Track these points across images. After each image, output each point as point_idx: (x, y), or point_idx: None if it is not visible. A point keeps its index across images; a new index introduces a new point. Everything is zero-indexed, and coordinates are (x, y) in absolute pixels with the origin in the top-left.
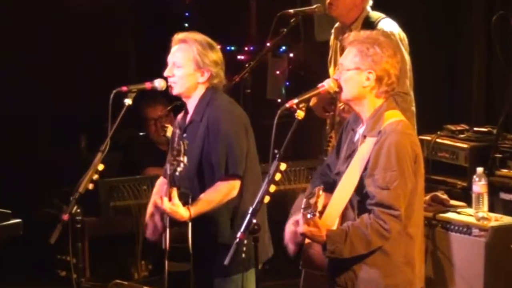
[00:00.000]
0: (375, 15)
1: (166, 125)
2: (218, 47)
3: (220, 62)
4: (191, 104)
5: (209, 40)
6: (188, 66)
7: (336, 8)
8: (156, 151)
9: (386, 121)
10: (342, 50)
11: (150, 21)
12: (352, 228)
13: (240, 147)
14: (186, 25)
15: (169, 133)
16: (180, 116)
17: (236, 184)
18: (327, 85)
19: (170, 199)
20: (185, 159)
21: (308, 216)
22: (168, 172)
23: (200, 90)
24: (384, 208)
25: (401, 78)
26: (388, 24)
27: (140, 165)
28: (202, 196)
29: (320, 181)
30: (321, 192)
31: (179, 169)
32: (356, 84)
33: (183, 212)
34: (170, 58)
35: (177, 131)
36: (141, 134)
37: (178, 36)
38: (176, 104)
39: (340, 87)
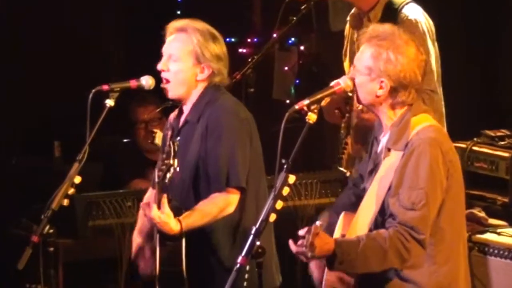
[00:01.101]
0: (397, 0)
1: (155, 130)
2: (223, 40)
3: (224, 57)
4: (188, 104)
5: (212, 30)
6: (186, 59)
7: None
8: (144, 161)
9: (414, 129)
10: (358, 47)
11: (136, 8)
12: (367, 239)
13: (244, 155)
14: (178, 12)
15: (158, 140)
16: (172, 115)
17: (235, 199)
18: (343, 83)
19: (159, 207)
20: (175, 162)
21: (317, 224)
22: (156, 178)
23: (199, 89)
24: (407, 228)
25: (428, 74)
26: (412, 11)
27: (124, 177)
28: (195, 208)
29: (351, 194)
30: (319, 230)
31: (169, 174)
32: (369, 91)
33: (173, 224)
34: (166, 49)
35: (169, 133)
36: (125, 140)
37: (176, 23)
38: (168, 104)
39: (356, 87)
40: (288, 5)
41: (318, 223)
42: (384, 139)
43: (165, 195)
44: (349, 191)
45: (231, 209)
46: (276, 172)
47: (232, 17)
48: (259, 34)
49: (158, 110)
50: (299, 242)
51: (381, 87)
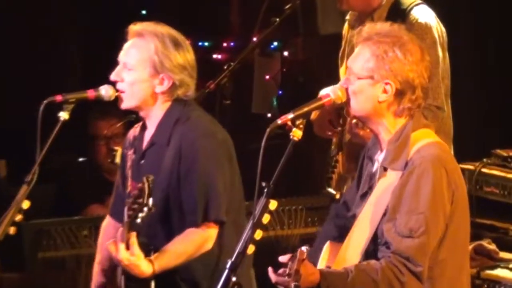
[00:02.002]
0: (405, 0)
1: (115, 148)
2: (189, 46)
3: (189, 67)
4: (152, 121)
5: (177, 35)
6: (142, 69)
7: (349, 0)
8: (102, 183)
9: (414, 146)
10: (352, 48)
11: (97, 8)
12: (356, 271)
13: (224, 184)
14: (144, 12)
15: (118, 159)
16: (133, 132)
17: (213, 233)
18: (333, 94)
19: (128, 247)
20: (150, 201)
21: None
22: (126, 217)
23: (161, 103)
24: (403, 258)
25: (435, 88)
26: (423, 13)
27: (79, 202)
28: (169, 246)
29: (334, 226)
30: (304, 255)
31: (141, 214)
32: (369, 98)
33: (145, 266)
34: (121, 57)
35: (129, 152)
36: (81, 159)
37: (134, 27)
38: (132, 118)
39: (349, 98)
40: (270, 4)
41: (304, 248)
42: (380, 158)
43: (134, 234)
44: (330, 223)
45: (209, 245)
46: (255, 197)
47: (205, 18)
48: (236, 38)
49: (121, 124)
50: (280, 270)
51: (384, 91)
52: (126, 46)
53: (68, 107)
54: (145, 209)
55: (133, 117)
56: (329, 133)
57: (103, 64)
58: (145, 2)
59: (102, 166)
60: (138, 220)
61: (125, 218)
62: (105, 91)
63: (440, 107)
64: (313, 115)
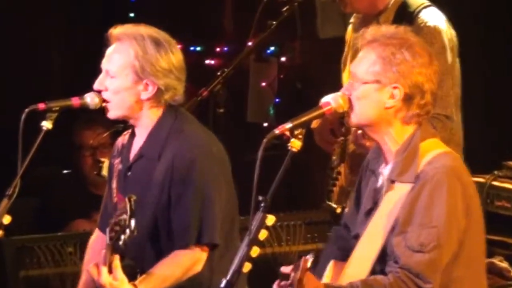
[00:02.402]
0: (413, 2)
1: (102, 159)
2: (176, 46)
3: (175, 69)
4: (141, 129)
5: (159, 35)
6: (124, 76)
7: (353, 3)
8: (88, 197)
9: (424, 156)
10: (355, 52)
11: (82, 9)
12: (362, 286)
13: (220, 205)
14: (132, 14)
15: (105, 171)
16: (121, 140)
17: (203, 255)
18: (334, 102)
19: (110, 270)
20: (132, 223)
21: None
22: (108, 239)
23: (149, 110)
24: (412, 274)
25: (444, 97)
26: (432, 16)
27: (64, 216)
28: (155, 269)
29: (337, 249)
30: (308, 264)
31: (123, 237)
32: (375, 104)
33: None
34: (103, 64)
35: (116, 162)
36: (66, 171)
37: (114, 31)
38: (119, 127)
39: (352, 106)
40: (267, 6)
41: (308, 256)
42: (386, 171)
43: (117, 257)
44: (332, 246)
45: (198, 267)
46: (251, 212)
47: (197, 21)
48: (230, 42)
49: (107, 133)
50: (282, 282)
51: (392, 96)
52: (108, 52)
53: (51, 116)
54: (127, 231)
55: (120, 126)
56: (331, 145)
57: (88, 70)
58: (133, 5)
59: (87, 178)
60: (120, 243)
61: (107, 240)
62: (91, 98)
63: (449, 117)
64: (314, 124)
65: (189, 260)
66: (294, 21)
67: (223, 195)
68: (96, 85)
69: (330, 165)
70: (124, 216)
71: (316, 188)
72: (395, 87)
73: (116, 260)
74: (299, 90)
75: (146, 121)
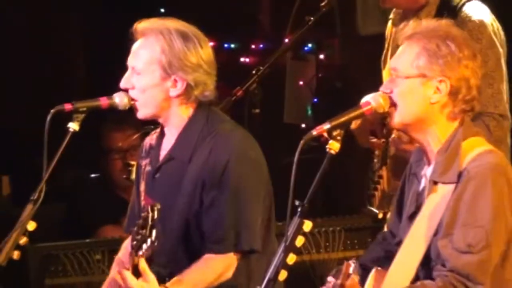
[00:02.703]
0: None
1: (132, 162)
2: (205, 39)
3: (204, 63)
4: (171, 128)
5: (187, 29)
6: (151, 72)
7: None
8: (117, 202)
9: (467, 155)
10: (395, 47)
11: (108, 6)
12: None
13: (258, 208)
14: (162, 10)
15: (135, 175)
16: (149, 139)
17: (235, 261)
18: (374, 102)
19: (136, 274)
20: (153, 234)
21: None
22: (130, 247)
23: (180, 108)
24: (461, 276)
25: (495, 94)
26: (476, 10)
27: (91, 222)
28: (186, 273)
29: (381, 249)
30: (351, 269)
31: (145, 246)
32: (420, 99)
33: None
34: (130, 61)
35: (144, 163)
36: (93, 175)
37: (139, 25)
38: (150, 128)
39: (393, 105)
40: (304, 1)
41: (351, 262)
42: (428, 172)
43: (142, 259)
44: (378, 245)
45: (229, 273)
46: (287, 217)
47: (232, 17)
48: (266, 39)
49: (137, 135)
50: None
51: (437, 91)
52: (134, 48)
53: (78, 117)
54: (148, 241)
55: (151, 127)
56: (374, 141)
57: (116, 69)
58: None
59: (116, 183)
60: (141, 252)
61: (129, 248)
62: (120, 98)
63: (503, 115)
64: (353, 125)
65: (222, 265)
66: (333, 17)
67: (261, 199)
68: (122, 83)
69: (371, 168)
70: (145, 226)
71: (356, 192)
72: (441, 81)
73: (142, 263)
74: (338, 90)
75: (176, 119)
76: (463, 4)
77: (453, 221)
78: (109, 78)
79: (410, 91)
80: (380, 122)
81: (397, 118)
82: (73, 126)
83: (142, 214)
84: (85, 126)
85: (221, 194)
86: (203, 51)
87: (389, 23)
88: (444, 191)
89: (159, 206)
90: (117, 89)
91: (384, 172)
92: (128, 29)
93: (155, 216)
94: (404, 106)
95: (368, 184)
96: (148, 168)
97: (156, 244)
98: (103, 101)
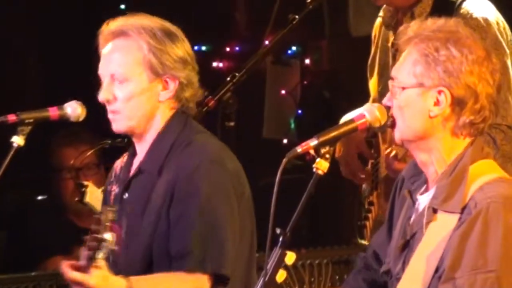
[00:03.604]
0: None
1: (85, 183)
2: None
3: (190, 58)
4: (143, 143)
5: (166, 24)
6: (137, 76)
7: None
8: (69, 228)
9: (474, 181)
10: (397, 52)
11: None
12: None
13: (232, 228)
14: (123, 6)
15: (89, 198)
16: (120, 162)
17: (205, 284)
18: (369, 114)
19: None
20: (109, 237)
21: None
22: (84, 259)
23: (160, 116)
24: None
25: (501, 103)
26: (479, 7)
27: (39, 252)
28: (153, 275)
29: (362, 279)
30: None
31: (101, 254)
32: (418, 112)
33: (114, 279)
34: (104, 69)
35: (113, 188)
36: (40, 198)
37: (110, 26)
38: (106, 144)
39: (393, 120)
40: None
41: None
42: (426, 197)
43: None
44: (356, 277)
45: None
46: (267, 248)
47: (203, 15)
48: (243, 40)
49: (92, 151)
50: None
51: (437, 103)
52: (105, 52)
53: (23, 130)
54: (103, 245)
55: (108, 142)
56: (362, 175)
57: (71, 76)
58: None
59: (68, 206)
60: (96, 260)
61: (83, 260)
62: (72, 109)
63: (511, 127)
64: (337, 152)
65: (191, 283)
66: (321, 15)
67: (236, 218)
68: (102, 96)
69: (361, 194)
70: (99, 229)
71: (346, 220)
72: (440, 91)
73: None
74: (326, 100)
75: (154, 130)
76: (463, 1)
77: (457, 263)
78: (66, 85)
79: (408, 104)
80: (366, 143)
81: (397, 134)
82: (18, 140)
83: (96, 216)
84: (31, 141)
85: (187, 204)
86: (187, 45)
87: (377, 21)
88: (446, 222)
89: (115, 207)
90: (71, 98)
91: (375, 198)
92: (86, 28)
93: (112, 217)
94: (402, 120)
95: (359, 213)
96: (116, 190)
97: (114, 247)
98: (53, 112)
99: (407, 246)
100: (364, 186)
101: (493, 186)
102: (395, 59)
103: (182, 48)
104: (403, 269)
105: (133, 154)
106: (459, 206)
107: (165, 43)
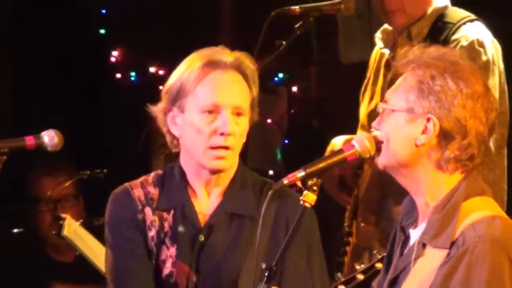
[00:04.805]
0: (456, 14)
1: (63, 216)
2: None
3: None
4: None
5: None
6: (249, 111)
7: (403, 13)
8: (46, 263)
9: (466, 217)
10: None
11: (38, 25)
12: None
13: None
14: (103, 31)
15: (66, 231)
16: (144, 191)
17: None
18: (359, 145)
19: None
20: None
21: None
22: None
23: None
24: None
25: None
26: (476, 32)
27: (15, 287)
28: None
29: None
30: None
31: None
32: (405, 138)
33: None
34: (227, 100)
35: (153, 231)
36: (16, 231)
37: (228, 56)
38: (85, 175)
39: (379, 145)
40: (274, 21)
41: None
42: (416, 232)
43: None
44: None
45: None
46: (252, 283)
47: (186, 39)
48: None
49: (70, 182)
50: None
51: (424, 130)
52: (224, 82)
53: None
54: None
55: (86, 173)
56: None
57: (45, 103)
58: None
59: (45, 239)
60: None
61: None
62: (49, 137)
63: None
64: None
65: None
66: (309, 41)
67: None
68: (231, 129)
69: (342, 229)
70: None
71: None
72: (429, 119)
73: None
74: (315, 129)
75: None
76: (461, 25)
77: None
78: (40, 114)
79: (395, 128)
80: (352, 172)
81: (381, 159)
82: None
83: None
84: (6, 171)
85: (308, 259)
86: None
87: (376, 48)
88: (434, 257)
89: None
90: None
91: (354, 227)
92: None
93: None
94: (388, 144)
95: (339, 246)
96: (180, 229)
97: None
98: (29, 141)
99: (396, 281)
100: (346, 215)
101: (485, 225)
102: (386, 78)
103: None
104: None
105: (177, 186)
106: (448, 242)
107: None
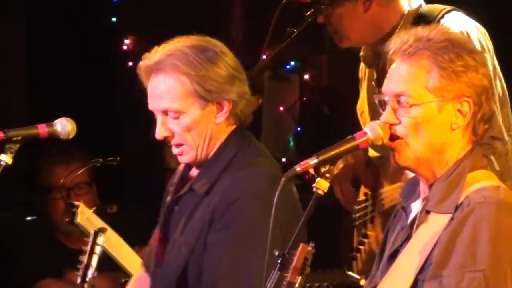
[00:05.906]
0: (434, 9)
1: (76, 203)
2: (223, 45)
3: (236, 70)
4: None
5: (201, 43)
6: (191, 106)
7: (349, 37)
8: (59, 250)
9: (471, 185)
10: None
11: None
12: None
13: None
14: (114, 19)
15: (79, 219)
16: (180, 171)
17: None
18: (371, 132)
19: None
20: (94, 262)
21: None
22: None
23: (219, 138)
24: None
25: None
26: (458, 21)
27: (28, 275)
28: None
29: None
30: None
31: (89, 275)
32: (440, 127)
33: None
34: (154, 106)
35: (170, 189)
36: (29, 219)
37: (147, 61)
38: (98, 162)
39: (396, 138)
40: (285, 8)
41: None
42: (417, 204)
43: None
44: None
45: None
46: (264, 269)
47: (196, 27)
48: (238, 54)
49: (83, 170)
50: None
51: (458, 113)
52: (151, 89)
53: (11, 148)
54: (89, 272)
55: (99, 161)
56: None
57: (63, 92)
58: (114, 4)
59: (58, 227)
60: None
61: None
62: (62, 126)
63: (498, 138)
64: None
65: None
66: (320, 29)
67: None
68: (159, 134)
69: (351, 222)
70: (86, 255)
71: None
72: (464, 100)
73: None
74: (326, 117)
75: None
76: (442, 17)
77: (444, 260)
78: (53, 103)
79: (427, 120)
80: (365, 167)
81: (410, 155)
82: (5, 158)
83: (86, 239)
84: (19, 159)
85: (221, 237)
86: (229, 58)
87: (361, 64)
88: (437, 222)
89: (103, 230)
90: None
91: (370, 230)
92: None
93: (97, 242)
94: (420, 138)
95: (348, 242)
96: (168, 197)
97: (95, 274)
98: (42, 129)
99: (396, 255)
100: (358, 213)
101: (490, 190)
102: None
103: (224, 65)
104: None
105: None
106: (453, 207)
107: (205, 67)
